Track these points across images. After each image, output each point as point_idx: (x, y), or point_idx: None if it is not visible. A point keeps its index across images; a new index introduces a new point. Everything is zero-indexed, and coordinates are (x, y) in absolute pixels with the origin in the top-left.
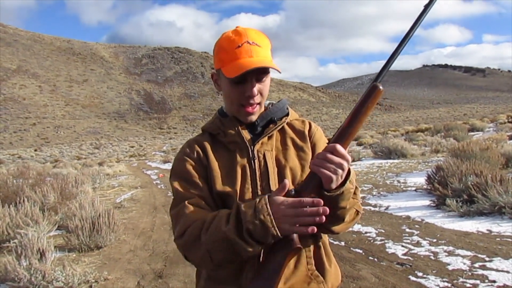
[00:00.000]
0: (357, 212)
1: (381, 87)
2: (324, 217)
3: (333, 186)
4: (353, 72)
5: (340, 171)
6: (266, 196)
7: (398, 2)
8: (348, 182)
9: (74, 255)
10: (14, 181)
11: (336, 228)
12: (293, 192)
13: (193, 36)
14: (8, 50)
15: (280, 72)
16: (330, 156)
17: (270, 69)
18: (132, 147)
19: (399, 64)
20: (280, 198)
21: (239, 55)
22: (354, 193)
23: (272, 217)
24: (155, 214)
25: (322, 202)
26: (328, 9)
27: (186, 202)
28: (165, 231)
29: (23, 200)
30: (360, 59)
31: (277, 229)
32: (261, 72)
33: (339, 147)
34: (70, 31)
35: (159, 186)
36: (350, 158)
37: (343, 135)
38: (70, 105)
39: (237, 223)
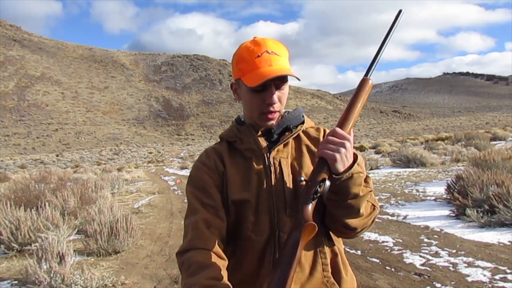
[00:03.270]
0: (373, 207)
1: (370, 81)
2: None
3: (340, 167)
4: (372, 79)
5: (342, 149)
6: None
7: (418, 11)
8: (356, 164)
9: (93, 259)
10: (36, 185)
11: (352, 221)
12: (302, 179)
13: (213, 43)
14: (33, 58)
15: (299, 80)
16: (331, 138)
17: (288, 77)
18: (151, 153)
19: (419, 71)
20: None
21: (259, 64)
22: (366, 181)
23: None
24: (171, 220)
25: None
26: (347, 17)
27: (198, 218)
28: (182, 237)
29: (44, 204)
30: (379, 67)
31: None
32: (280, 80)
33: (338, 129)
34: (93, 39)
35: (176, 192)
36: (351, 138)
37: (341, 121)
38: (91, 112)
39: None
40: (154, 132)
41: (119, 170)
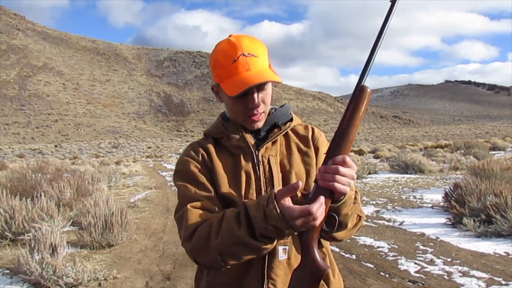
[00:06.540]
0: (359, 218)
1: (369, 89)
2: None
3: (343, 197)
4: (373, 84)
5: (352, 182)
6: (274, 199)
7: (423, 17)
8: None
9: (86, 252)
10: (33, 175)
11: (338, 234)
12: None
13: (217, 41)
14: (36, 48)
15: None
16: (342, 169)
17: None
18: (149, 147)
19: (421, 78)
20: (288, 204)
21: (236, 70)
22: (355, 198)
23: (284, 220)
24: (167, 215)
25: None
26: (352, 20)
27: (189, 205)
28: (176, 233)
29: (40, 195)
30: (382, 72)
31: (292, 229)
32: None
33: (348, 158)
34: (97, 32)
35: (173, 188)
36: (356, 167)
37: (343, 143)
38: (91, 104)
39: (249, 227)
40: (154, 127)
41: (117, 163)
